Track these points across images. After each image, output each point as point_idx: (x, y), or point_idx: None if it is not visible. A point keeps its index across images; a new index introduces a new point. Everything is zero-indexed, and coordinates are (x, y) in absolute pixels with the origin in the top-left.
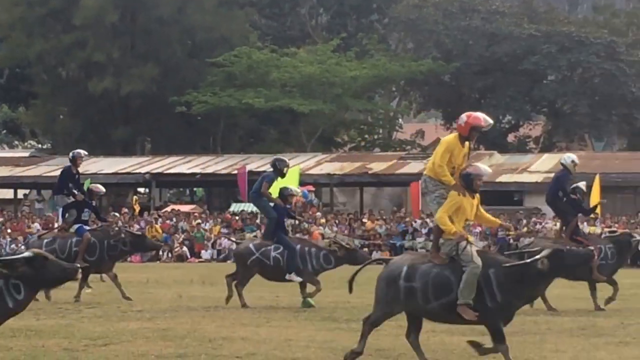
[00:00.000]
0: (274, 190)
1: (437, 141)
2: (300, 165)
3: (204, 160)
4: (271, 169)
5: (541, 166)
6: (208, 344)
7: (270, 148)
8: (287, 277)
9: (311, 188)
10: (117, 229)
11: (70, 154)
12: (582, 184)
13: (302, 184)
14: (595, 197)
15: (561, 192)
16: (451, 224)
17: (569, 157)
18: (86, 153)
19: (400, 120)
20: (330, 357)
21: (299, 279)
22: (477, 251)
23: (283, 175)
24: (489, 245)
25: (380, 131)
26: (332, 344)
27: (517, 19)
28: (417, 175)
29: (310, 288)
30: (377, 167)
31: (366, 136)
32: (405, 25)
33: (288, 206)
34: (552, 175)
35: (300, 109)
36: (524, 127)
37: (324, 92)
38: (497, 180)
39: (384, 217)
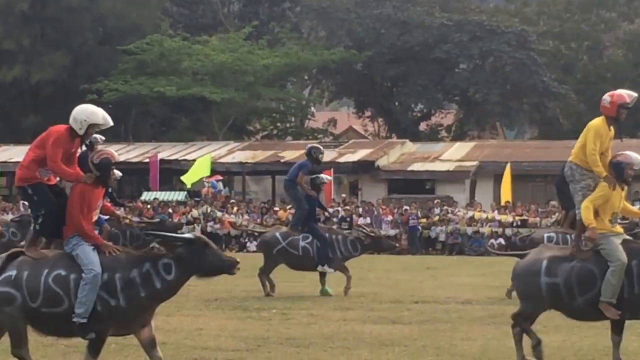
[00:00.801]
0: (188, 180)
1: (349, 129)
2: (212, 153)
3: (116, 149)
4: (306, 158)
5: (453, 155)
6: None
7: (182, 136)
8: (320, 268)
9: (219, 177)
10: None
11: None
12: None
13: (213, 172)
14: (506, 186)
15: None
16: (593, 219)
17: None
18: None
19: (312, 108)
20: (241, 346)
21: (332, 271)
22: (624, 240)
23: (319, 163)
24: (400, 234)
25: (293, 120)
26: (243, 333)
27: (428, 7)
28: (330, 164)
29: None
30: (289, 155)
31: (278, 125)
32: (318, 13)
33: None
34: (464, 163)
35: (212, 97)
36: (435, 115)
37: (236, 81)
38: (409, 168)
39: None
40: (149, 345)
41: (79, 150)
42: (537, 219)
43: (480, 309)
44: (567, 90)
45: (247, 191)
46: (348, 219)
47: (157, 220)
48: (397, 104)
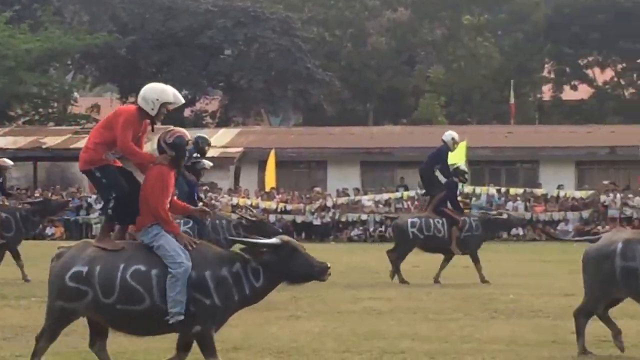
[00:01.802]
0: None
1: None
2: None
3: None
4: (192, 146)
5: (217, 141)
6: None
7: None
8: None
9: None
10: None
11: None
12: (462, 165)
13: None
14: (270, 172)
15: (442, 166)
16: None
17: (450, 134)
18: None
19: (75, 94)
20: None
21: None
22: None
23: (204, 154)
24: None
25: (55, 105)
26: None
27: None
28: None
29: None
30: (51, 141)
31: (40, 110)
32: None
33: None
34: (228, 149)
35: None
36: (200, 101)
37: None
38: None
39: (61, 193)
40: (183, 348)
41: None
42: (301, 205)
43: None
44: (331, 77)
45: (9, 177)
46: None
47: (40, 199)
48: None
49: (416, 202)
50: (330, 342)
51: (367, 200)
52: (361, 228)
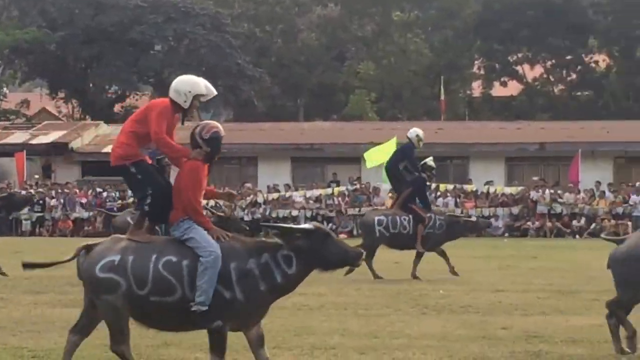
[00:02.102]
0: None
1: (42, 111)
2: None
3: None
4: None
5: None
6: None
7: None
8: None
9: None
10: None
11: None
12: (429, 161)
13: None
14: None
15: (408, 163)
16: None
17: (415, 131)
18: None
19: (4, 89)
20: None
21: None
22: None
23: None
24: (95, 217)
25: None
26: None
27: None
28: (22, 145)
29: None
30: None
31: None
32: None
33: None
34: None
35: None
36: (130, 97)
37: None
38: (104, 150)
39: None
40: (257, 344)
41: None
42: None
43: None
44: (261, 73)
45: None
46: (41, 201)
47: (5, 194)
48: (91, 85)
49: (347, 198)
50: None
51: (298, 196)
52: (292, 224)
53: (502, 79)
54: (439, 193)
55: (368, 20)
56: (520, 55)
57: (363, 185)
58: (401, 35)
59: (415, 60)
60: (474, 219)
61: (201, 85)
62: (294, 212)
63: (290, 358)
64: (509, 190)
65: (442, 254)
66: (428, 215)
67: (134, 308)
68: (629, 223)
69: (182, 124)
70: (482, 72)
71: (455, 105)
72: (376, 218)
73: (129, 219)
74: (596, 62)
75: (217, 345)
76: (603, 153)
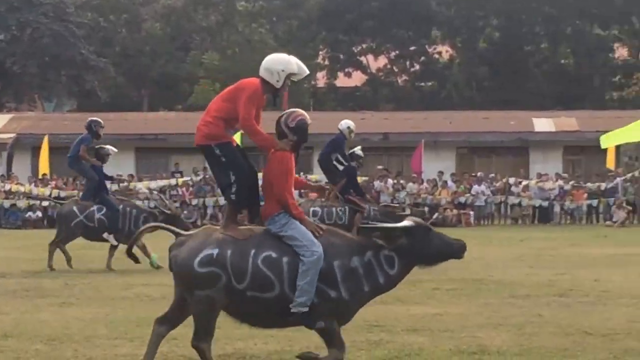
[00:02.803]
0: None
1: None
2: None
3: None
4: (86, 131)
5: None
6: None
7: None
8: (105, 235)
9: None
10: None
11: None
12: (357, 150)
13: None
14: (44, 158)
15: (339, 155)
16: None
17: (346, 122)
18: None
19: None
20: None
21: (115, 242)
22: None
23: (99, 137)
24: None
25: None
26: None
27: None
28: None
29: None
30: None
31: None
32: None
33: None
34: (2, 135)
35: None
36: None
37: None
38: None
39: None
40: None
41: None
42: (76, 191)
43: (15, 283)
44: (105, 63)
45: None
46: None
47: None
48: None
49: (191, 189)
50: (102, 328)
51: (141, 186)
52: None
53: (346, 70)
54: None
55: (213, 10)
56: (364, 46)
57: (207, 176)
58: (246, 25)
59: (259, 51)
60: (407, 211)
61: (293, 63)
62: (138, 202)
63: (131, 349)
64: None
65: None
66: (366, 206)
67: (230, 302)
68: (472, 213)
69: (275, 105)
70: (326, 62)
71: (299, 95)
72: (311, 209)
73: (74, 208)
74: (439, 53)
75: (331, 341)
76: (446, 143)
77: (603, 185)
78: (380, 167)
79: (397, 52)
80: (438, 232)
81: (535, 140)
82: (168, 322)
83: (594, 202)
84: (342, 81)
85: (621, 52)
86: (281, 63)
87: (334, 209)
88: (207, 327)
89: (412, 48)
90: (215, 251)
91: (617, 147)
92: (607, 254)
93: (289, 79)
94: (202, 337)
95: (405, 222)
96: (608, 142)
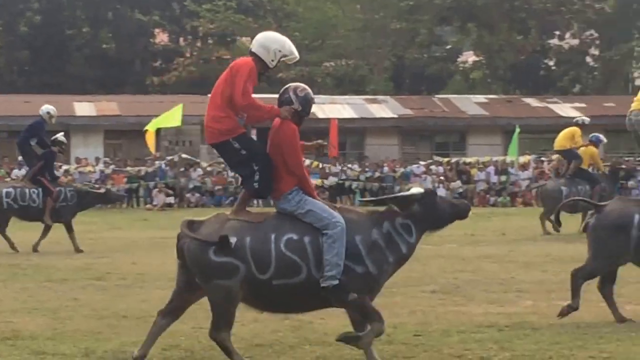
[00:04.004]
0: None
1: None
2: None
3: None
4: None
5: None
6: None
7: None
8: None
9: None
10: None
11: None
12: (60, 136)
13: None
14: None
15: (36, 138)
16: None
17: (46, 108)
18: None
19: None
20: None
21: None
22: None
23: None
24: None
25: None
26: None
27: None
28: None
29: None
30: None
31: None
32: None
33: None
34: None
35: None
36: None
37: None
38: None
39: None
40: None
41: None
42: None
43: None
44: None
45: None
46: None
47: None
48: None
49: None
50: None
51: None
52: None
53: None
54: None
55: None
56: None
57: None
58: None
59: None
60: (102, 190)
61: (287, 45)
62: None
63: None
64: None
65: (70, 230)
66: (58, 189)
67: (254, 293)
68: None
69: (258, 83)
70: None
71: None
72: (4, 190)
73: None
74: None
75: (368, 314)
76: None
77: (144, 170)
78: None
79: None
80: (443, 197)
81: (76, 125)
82: (170, 314)
83: (134, 186)
84: None
85: (162, 37)
86: (278, 42)
87: (27, 190)
88: (227, 318)
89: None
90: (233, 240)
91: (158, 132)
92: (147, 237)
93: (280, 62)
94: (221, 327)
95: (414, 190)
96: (151, 126)
